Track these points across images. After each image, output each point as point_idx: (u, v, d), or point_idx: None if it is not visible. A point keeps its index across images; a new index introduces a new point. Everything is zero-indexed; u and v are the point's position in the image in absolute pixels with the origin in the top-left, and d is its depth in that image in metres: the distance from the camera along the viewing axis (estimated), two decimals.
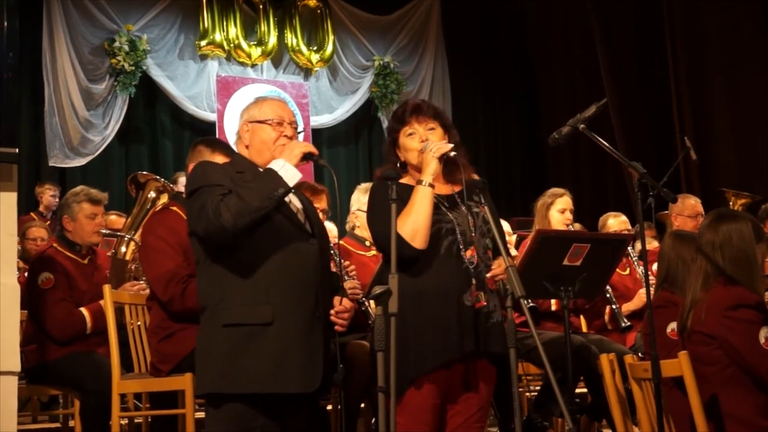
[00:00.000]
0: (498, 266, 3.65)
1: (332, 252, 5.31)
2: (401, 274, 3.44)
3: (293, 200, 3.68)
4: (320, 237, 3.68)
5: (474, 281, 3.64)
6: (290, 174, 3.47)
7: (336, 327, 3.65)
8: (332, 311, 3.64)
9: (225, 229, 3.39)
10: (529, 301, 3.46)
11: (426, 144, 3.73)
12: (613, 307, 6.00)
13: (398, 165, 3.85)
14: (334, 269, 5.25)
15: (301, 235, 3.58)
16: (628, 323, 5.96)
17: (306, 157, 3.56)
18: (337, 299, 3.67)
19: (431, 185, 3.65)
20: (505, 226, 6.50)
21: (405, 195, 3.67)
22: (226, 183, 3.49)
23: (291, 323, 3.46)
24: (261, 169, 3.60)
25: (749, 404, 3.75)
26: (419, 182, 3.66)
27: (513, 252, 4.98)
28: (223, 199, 3.40)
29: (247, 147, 3.74)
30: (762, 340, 3.74)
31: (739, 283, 3.84)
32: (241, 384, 3.43)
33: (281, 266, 3.49)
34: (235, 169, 3.62)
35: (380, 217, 3.62)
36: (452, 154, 3.66)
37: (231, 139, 10.06)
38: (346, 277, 5.29)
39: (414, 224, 3.59)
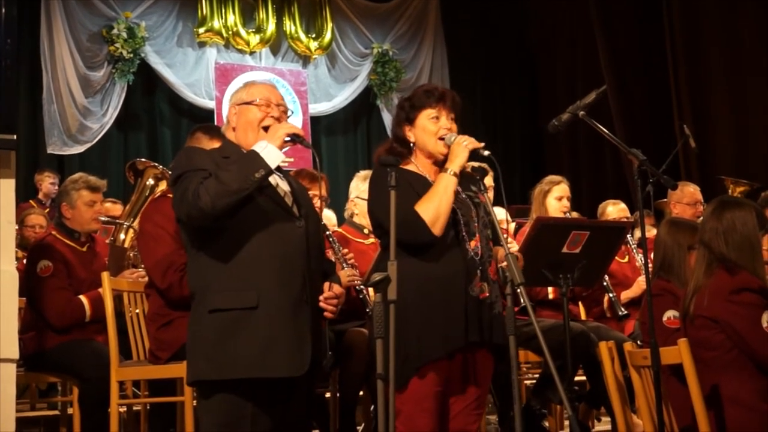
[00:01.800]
0: (502, 254, 3.64)
1: (330, 240, 5.32)
2: (405, 261, 3.44)
3: (280, 183, 3.63)
4: (310, 220, 3.62)
5: (479, 272, 3.64)
6: (272, 155, 3.43)
7: (325, 313, 3.60)
8: (321, 297, 3.58)
9: (204, 212, 3.35)
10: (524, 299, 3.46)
11: (450, 135, 3.72)
12: (610, 296, 5.99)
13: (408, 145, 3.82)
14: (332, 257, 5.26)
15: (287, 218, 3.53)
16: (625, 312, 5.96)
17: (291, 138, 3.52)
18: (326, 285, 3.61)
19: (455, 175, 3.63)
20: (503, 213, 6.50)
21: (412, 181, 3.67)
22: (209, 167, 3.45)
23: (277, 307, 3.42)
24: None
25: (751, 388, 3.76)
26: (444, 170, 3.65)
27: (514, 247, 4.96)
28: (203, 182, 3.37)
29: (234, 130, 3.71)
30: (764, 324, 3.75)
31: (742, 269, 3.84)
32: (227, 370, 3.39)
33: (266, 250, 3.45)
34: (221, 154, 3.59)
35: (384, 201, 3.59)
36: (486, 153, 3.65)
37: None
38: (344, 265, 5.29)
39: (437, 210, 3.58)
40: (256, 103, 3.66)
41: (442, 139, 3.74)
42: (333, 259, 5.36)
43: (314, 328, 3.52)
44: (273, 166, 3.44)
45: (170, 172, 3.68)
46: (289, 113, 3.76)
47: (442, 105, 3.79)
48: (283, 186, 3.64)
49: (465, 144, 3.65)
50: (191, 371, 3.53)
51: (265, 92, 3.71)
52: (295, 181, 3.79)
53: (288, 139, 3.51)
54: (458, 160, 3.65)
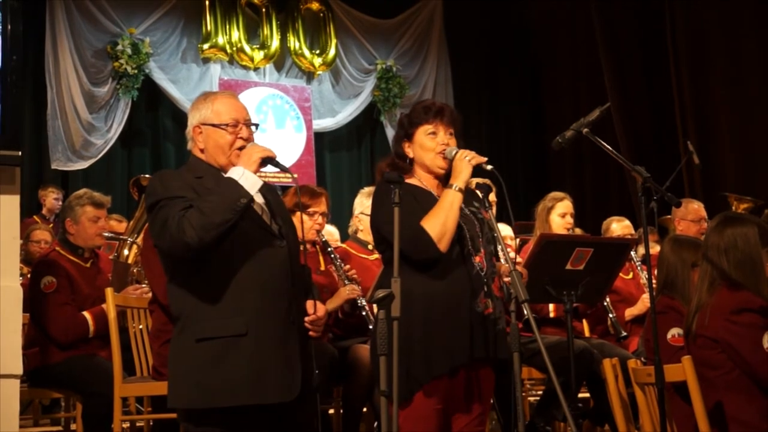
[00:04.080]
0: (505, 270, 3.64)
1: (332, 256, 5.32)
2: (411, 276, 3.44)
3: (257, 199, 3.52)
4: (289, 237, 3.57)
5: (484, 288, 3.63)
6: (250, 182, 3.38)
7: (310, 332, 3.54)
8: (306, 319, 3.52)
9: (189, 246, 3.30)
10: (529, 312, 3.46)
11: (451, 149, 3.72)
12: (611, 316, 5.97)
13: (407, 161, 3.82)
14: (334, 274, 5.27)
15: (268, 240, 3.49)
16: (625, 333, 5.95)
17: (265, 161, 3.47)
18: (310, 305, 3.54)
19: (461, 191, 3.63)
20: (508, 230, 6.50)
21: (417, 195, 3.67)
22: (186, 193, 3.40)
23: (266, 332, 3.39)
24: (221, 172, 3.50)
25: (753, 408, 3.74)
26: (449, 186, 3.64)
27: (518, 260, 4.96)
28: (185, 214, 3.31)
29: (202, 151, 3.61)
30: (766, 345, 3.73)
31: (744, 287, 3.83)
32: (219, 398, 3.34)
33: (251, 275, 3.41)
34: (193, 174, 3.53)
35: (389, 217, 3.56)
36: (489, 167, 3.65)
37: None
38: (346, 281, 5.29)
39: (443, 226, 3.57)
40: (224, 128, 3.57)
41: (442, 153, 3.74)
42: (335, 275, 5.37)
43: (302, 350, 3.48)
44: (253, 192, 3.39)
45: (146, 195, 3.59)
46: (253, 123, 3.65)
47: (440, 120, 3.77)
48: (258, 200, 3.56)
49: (468, 159, 3.65)
50: (179, 399, 3.45)
51: (232, 111, 3.60)
52: (271, 194, 3.71)
53: (261, 162, 3.46)
54: (462, 175, 3.64)
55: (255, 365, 3.36)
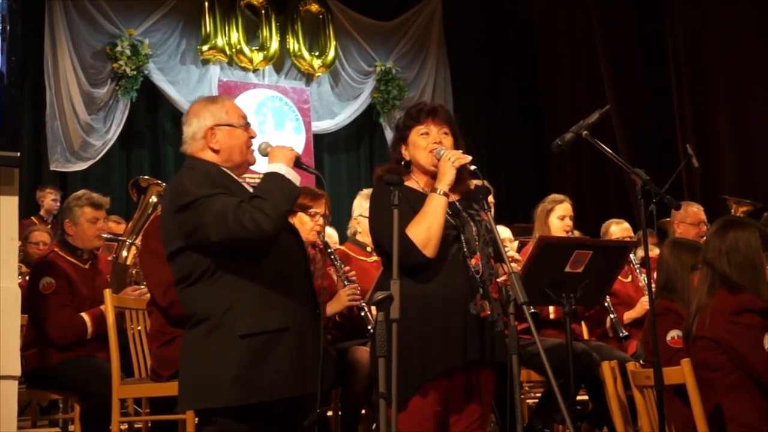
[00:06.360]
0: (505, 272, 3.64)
1: (332, 257, 5.32)
2: (407, 279, 3.43)
3: None
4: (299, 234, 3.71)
5: (480, 290, 3.63)
6: (294, 177, 3.49)
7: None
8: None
9: (266, 233, 3.35)
10: (531, 307, 3.45)
11: (440, 148, 3.71)
12: (611, 317, 5.97)
13: (402, 163, 3.83)
14: (334, 275, 5.28)
15: (288, 236, 3.60)
16: (626, 333, 5.94)
17: (296, 161, 3.56)
18: None
19: (446, 194, 3.63)
20: (507, 232, 6.50)
21: (411, 198, 3.66)
22: (219, 190, 3.45)
23: (303, 325, 3.49)
24: (228, 172, 3.61)
25: (754, 409, 3.75)
26: (434, 190, 3.65)
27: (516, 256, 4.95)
28: (250, 205, 3.36)
29: (215, 151, 3.64)
30: (766, 345, 3.73)
31: (745, 289, 3.83)
32: (266, 392, 3.39)
33: (282, 270, 3.49)
34: (209, 177, 3.56)
35: (384, 221, 3.59)
36: (472, 167, 3.65)
37: None
38: (345, 283, 5.29)
39: (428, 232, 3.57)
40: (240, 125, 3.69)
41: (433, 152, 3.74)
42: (335, 277, 5.37)
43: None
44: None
45: (173, 196, 3.58)
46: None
47: (432, 120, 3.79)
48: None
49: (452, 161, 3.65)
50: (219, 397, 3.42)
51: (240, 112, 3.74)
52: None
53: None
54: (446, 178, 3.64)
55: (297, 357, 3.45)
